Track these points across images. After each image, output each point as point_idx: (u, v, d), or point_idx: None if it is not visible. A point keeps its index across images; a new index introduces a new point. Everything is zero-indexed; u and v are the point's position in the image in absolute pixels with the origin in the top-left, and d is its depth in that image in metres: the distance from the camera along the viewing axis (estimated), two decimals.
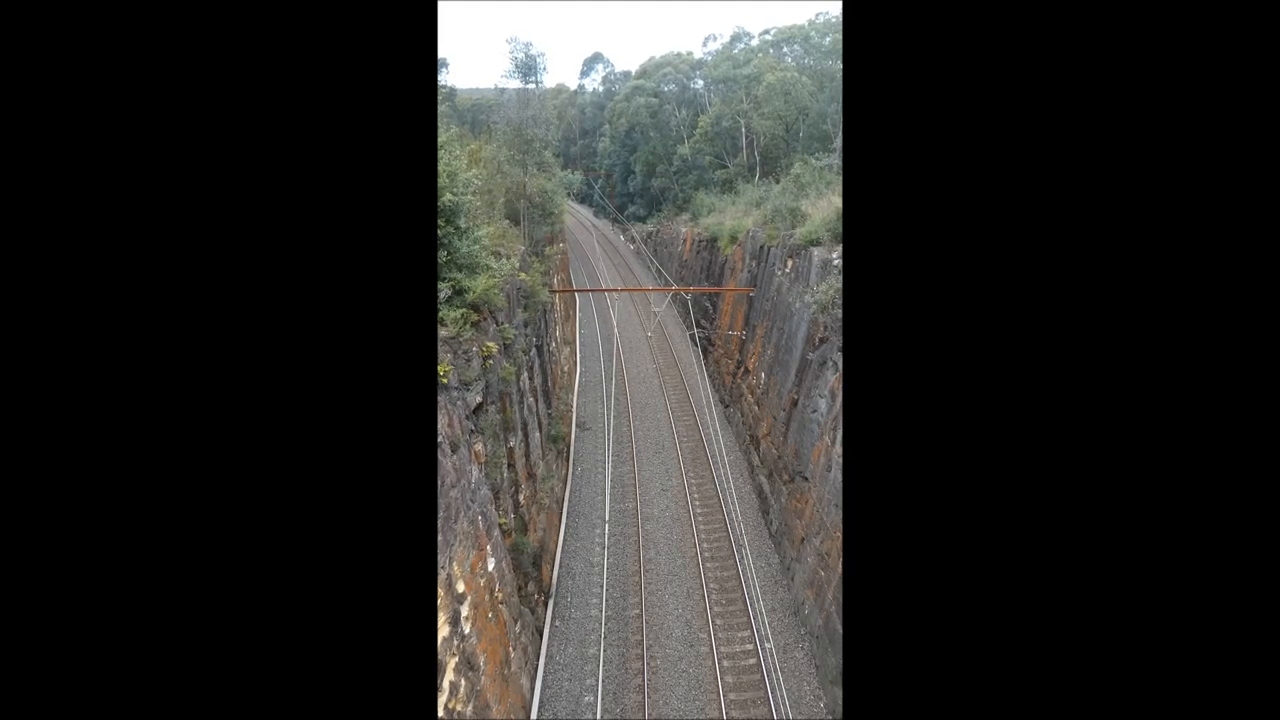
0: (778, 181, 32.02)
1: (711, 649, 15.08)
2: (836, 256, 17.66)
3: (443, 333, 11.66)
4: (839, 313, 15.80)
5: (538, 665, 14.52)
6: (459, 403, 11.34)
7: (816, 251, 18.89)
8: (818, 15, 57.58)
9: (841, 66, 41.26)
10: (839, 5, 53.62)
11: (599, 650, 15.18)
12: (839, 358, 15.36)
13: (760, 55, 50.01)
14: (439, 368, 10.51)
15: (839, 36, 45.13)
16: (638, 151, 57.46)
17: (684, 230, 42.13)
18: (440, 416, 9.80)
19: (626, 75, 70.14)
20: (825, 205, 21.27)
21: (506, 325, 15.06)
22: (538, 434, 18.02)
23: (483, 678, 10.52)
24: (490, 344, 13.34)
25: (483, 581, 11.08)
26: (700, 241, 36.26)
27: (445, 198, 12.20)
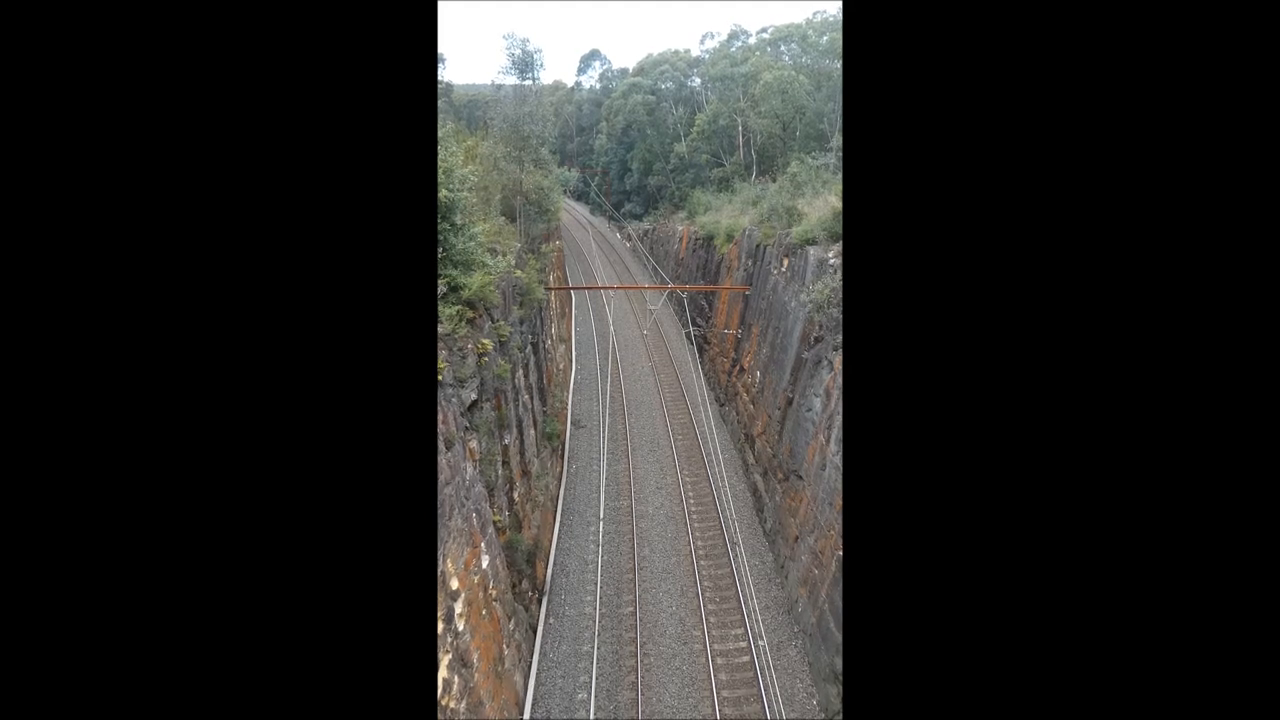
0: (774, 180, 31.99)
1: (705, 646, 15.10)
2: (832, 256, 17.69)
3: (438, 330, 11.63)
4: (835, 312, 15.83)
5: (531, 662, 14.52)
6: (454, 400, 11.32)
7: (812, 250, 18.91)
8: (815, 14, 57.62)
9: (839, 65, 41.40)
10: (837, 4, 53.71)
11: (593, 648, 15.19)
12: (834, 357, 15.39)
13: (757, 54, 50.00)
14: None
15: (836, 35, 45.10)
16: (634, 149, 57.38)
17: (680, 228, 42.09)
18: None
19: (624, 72, 70.03)
20: (821, 204, 21.27)
21: (502, 322, 15.04)
22: (532, 431, 18.01)
23: (476, 675, 10.51)
24: (485, 341, 13.32)
25: (476, 578, 11.07)
26: (696, 240, 36.24)
27: (441, 194, 12.19)
